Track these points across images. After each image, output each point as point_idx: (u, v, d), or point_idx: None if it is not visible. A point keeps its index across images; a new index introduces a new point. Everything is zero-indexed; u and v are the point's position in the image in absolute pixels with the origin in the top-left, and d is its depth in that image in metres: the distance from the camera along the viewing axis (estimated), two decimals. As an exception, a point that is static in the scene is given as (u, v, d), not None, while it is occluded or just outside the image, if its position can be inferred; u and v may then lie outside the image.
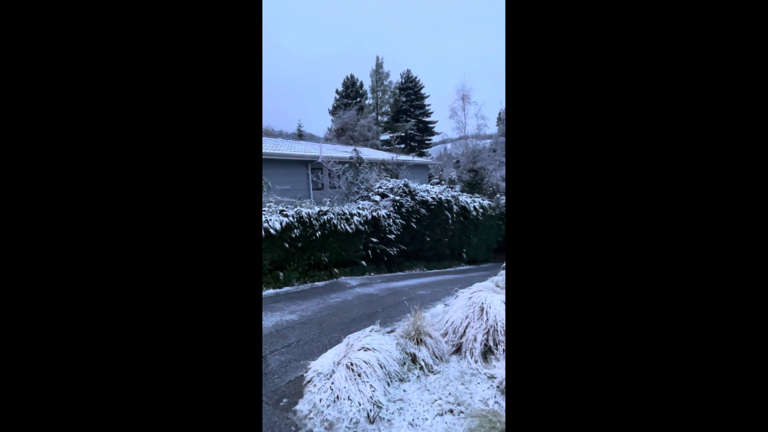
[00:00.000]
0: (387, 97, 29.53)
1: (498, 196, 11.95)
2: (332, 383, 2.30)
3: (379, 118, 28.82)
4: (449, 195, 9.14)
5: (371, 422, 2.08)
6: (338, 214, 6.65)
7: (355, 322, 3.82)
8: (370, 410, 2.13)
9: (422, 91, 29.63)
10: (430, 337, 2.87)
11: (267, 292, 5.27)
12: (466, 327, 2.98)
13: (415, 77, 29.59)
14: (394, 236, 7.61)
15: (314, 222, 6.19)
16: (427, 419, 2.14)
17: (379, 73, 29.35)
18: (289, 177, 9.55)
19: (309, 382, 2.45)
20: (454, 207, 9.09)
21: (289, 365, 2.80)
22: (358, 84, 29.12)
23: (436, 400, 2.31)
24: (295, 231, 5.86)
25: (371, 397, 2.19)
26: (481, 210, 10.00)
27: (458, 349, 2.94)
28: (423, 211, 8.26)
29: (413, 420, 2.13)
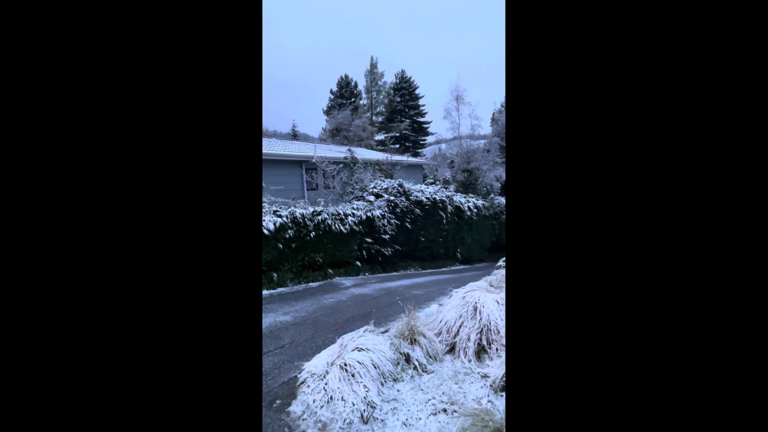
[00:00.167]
0: (381, 97, 29.55)
1: (492, 196, 12.01)
2: (326, 384, 2.29)
3: (374, 118, 28.82)
4: (444, 195, 9.17)
5: (365, 422, 2.08)
6: (332, 215, 6.63)
7: (349, 323, 3.81)
8: (364, 410, 2.12)
9: (417, 92, 29.68)
10: (424, 336, 2.88)
11: (260, 292, 5.23)
12: (460, 326, 2.99)
13: (410, 78, 29.64)
14: (388, 236, 7.61)
15: (308, 222, 6.16)
16: (420, 419, 2.14)
17: (373, 74, 29.35)
18: (284, 177, 9.49)
19: (302, 383, 2.43)
20: (449, 207, 9.12)
21: (283, 366, 2.78)
22: (353, 84, 29.07)
23: (429, 400, 2.31)
24: (289, 231, 5.83)
25: (365, 398, 2.18)
26: (475, 210, 10.05)
27: (452, 349, 2.94)
28: (417, 211, 8.27)
29: (407, 420, 2.13)
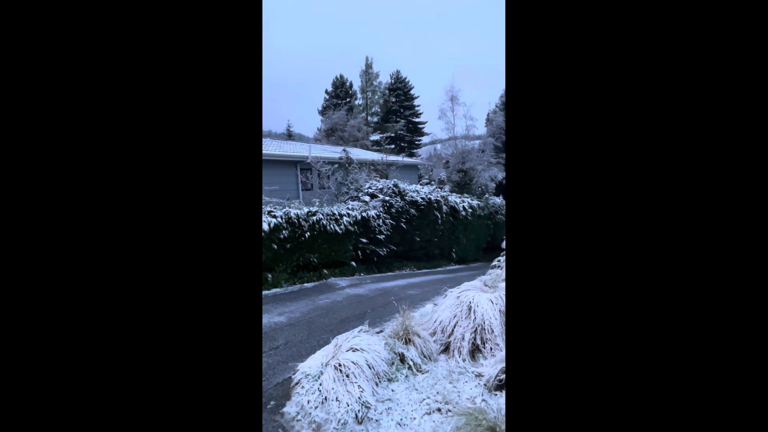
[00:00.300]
0: (377, 97, 29.51)
1: (487, 196, 12.05)
2: (320, 384, 2.28)
3: (369, 118, 28.77)
4: (439, 195, 9.18)
5: (359, 423, 2.08)
6: (327, 215, 6.61)
7: (344, 323, 3.81)
8: (359, 411, 2.12)
9: (412, 92, 29.71)
10: (419, 336, 2.88)
11: (255, 293, 5.20)
12: (455, 326, 3.00)
13: (405, 78, 29.66)
14: (383, 236, 7.61)
15: (303, 223, 6.14)
16: (415, 418, 2.14)
17: (368, 74, 29.32)
18: (278, 177, 9.45)
19: (297, 384, 2.42)
20: (444, 207, 9.14)
21: (277, 367, 2.77)
22: (348, 84, 29.02)
23: (424, 399, 2.32)
24: (284, 232, 5.81)
25: (359, 398, 2.18)
26: (470, 210, 10.08)
27: (446, 348, 2.95)
28: (413, 211, 8.28)
29: (401, 420, 2.13)
